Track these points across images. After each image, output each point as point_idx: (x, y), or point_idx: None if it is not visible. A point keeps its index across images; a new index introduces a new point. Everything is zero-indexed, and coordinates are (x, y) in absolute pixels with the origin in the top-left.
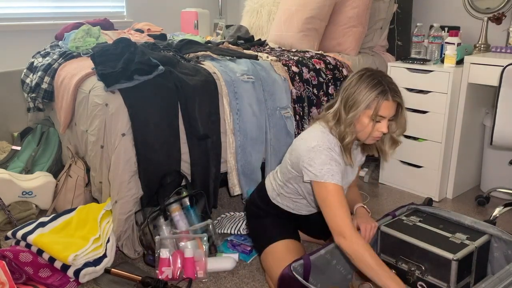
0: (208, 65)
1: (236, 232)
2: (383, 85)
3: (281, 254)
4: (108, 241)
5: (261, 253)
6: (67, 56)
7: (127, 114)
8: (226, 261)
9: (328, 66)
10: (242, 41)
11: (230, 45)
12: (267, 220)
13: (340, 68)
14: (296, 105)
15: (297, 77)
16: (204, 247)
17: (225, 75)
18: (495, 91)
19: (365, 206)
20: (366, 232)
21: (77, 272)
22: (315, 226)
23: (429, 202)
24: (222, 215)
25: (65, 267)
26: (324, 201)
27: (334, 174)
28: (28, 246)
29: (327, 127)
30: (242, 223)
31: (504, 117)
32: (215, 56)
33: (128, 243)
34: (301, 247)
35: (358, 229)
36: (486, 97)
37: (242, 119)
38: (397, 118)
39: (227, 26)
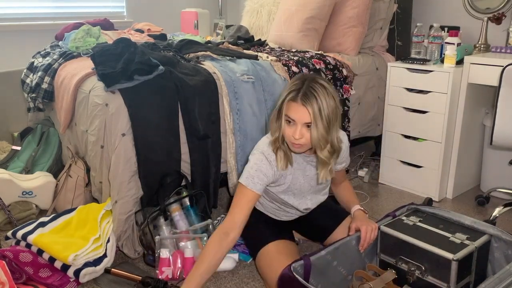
0: (208, 65)
1: None
2: (300, 87)
3: (273, 255)
4: (108, 241)
5: (256, 258)
6: (67, 56)
7: (127, 114)
8: (226, 261)
9: (328, 66)
10: (242, 41)
11: (230, 45)
12: (259, 224)
13: (340, 68)
14: None
15: None
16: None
17: (225, 75)
18: (495, 91)
19: (362, 208)
20: (366, 234)
21: (77, 272)
22: (309, 228)
23: (429, 202)
24: (222, 215)
25: (65, 267)
26: (234, 198)
27: (248, 177)
28: (28, 246)
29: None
30: None
31: (504, 117)
32: (215, 56)
33: (128, 243)
34: (294, 247)
35: (358, 230)
36: (486, 97)
37: (242, 119)
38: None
39: (227, 26)
